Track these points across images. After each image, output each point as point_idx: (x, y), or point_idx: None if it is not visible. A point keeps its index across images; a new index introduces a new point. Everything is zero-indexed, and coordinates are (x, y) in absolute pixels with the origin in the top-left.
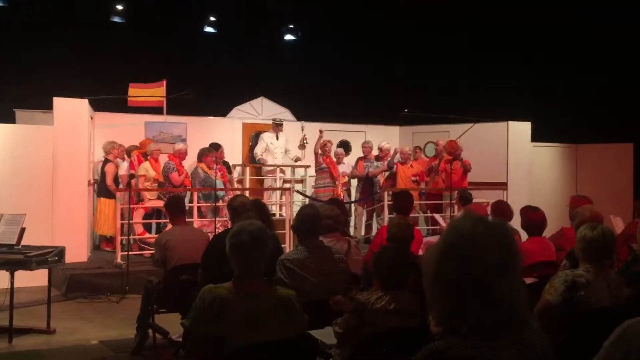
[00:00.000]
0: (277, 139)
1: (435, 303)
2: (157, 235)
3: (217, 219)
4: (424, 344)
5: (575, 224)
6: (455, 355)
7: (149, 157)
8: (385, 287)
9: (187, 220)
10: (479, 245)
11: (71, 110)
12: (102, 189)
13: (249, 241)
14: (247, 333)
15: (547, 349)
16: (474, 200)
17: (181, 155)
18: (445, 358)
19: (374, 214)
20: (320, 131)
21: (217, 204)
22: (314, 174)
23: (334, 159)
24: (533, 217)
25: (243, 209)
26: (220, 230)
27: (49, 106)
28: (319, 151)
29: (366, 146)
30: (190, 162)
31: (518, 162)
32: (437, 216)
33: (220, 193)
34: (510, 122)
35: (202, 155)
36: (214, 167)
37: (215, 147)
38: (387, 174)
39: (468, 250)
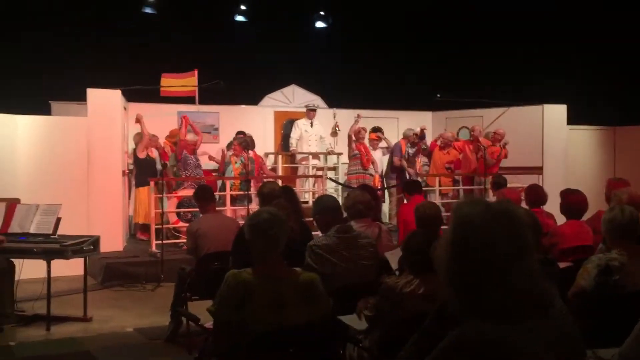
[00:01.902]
0: (312, 125)
1: (453, 291)
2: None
3: (247, 207)
4: (449, 329)
5: (611, 208)
6: (482, 340)
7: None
8: (415, 271)
9: (219, 209)
10: (490, 233)
11: (105, 101)
12: (139, 179)
13: (264, 222)
14: (272, 317)
15: (574, 329)
16: (508, 185)
17: (188, 146)
18: (472, 344)
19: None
20: (358, 116)
21: (249, 192)
22: (347, 160)
23: (368, 146)
24: (572, 200)
25: (272, 195)
26: None
27: (83, 97)
28: (353, 137)
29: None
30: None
31: (554, 146)
32: None
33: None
34: (545, 105)
35: (230, 145)
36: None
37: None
38: (423, 160)
39: (479, 239)
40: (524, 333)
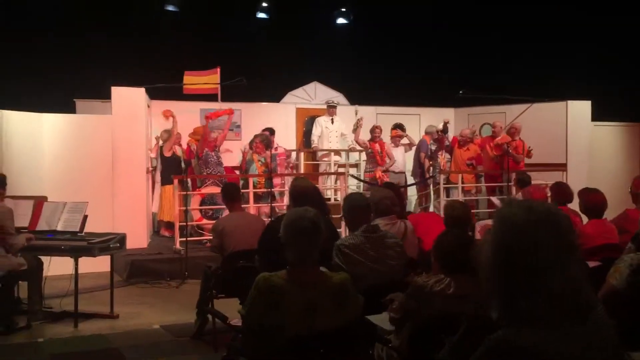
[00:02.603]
0: (332, 122)
1: (494, 294)
2: (212, 222)
3: (273, 204)
4: (486, 333)
5: None
6: (521, 345)
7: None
8: (446, 271)
9: (243, 206)
10: (534, 236)
11: (129, 99)
12: (165, 176)
13: (304, 229)
14: (304, 321)
15: (613, 334)
16: (532, 182)
17: (209, 143)
18: (510, 349)
19: (430, 197)
20: (360, 119)
21: (273, 190)
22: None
23: (385, 143)
24: (592, 199)
25: (306, 193)
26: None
27: (107, 95)
28: (360, 139)
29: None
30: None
31: (578, 143)
32: (494, 199)
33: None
34: (569, 102)
35: (252, 142)
36: (265, 154)
37: (271, 132)
38: (447, 156)
39: (523, 242)
40: (563, 339)
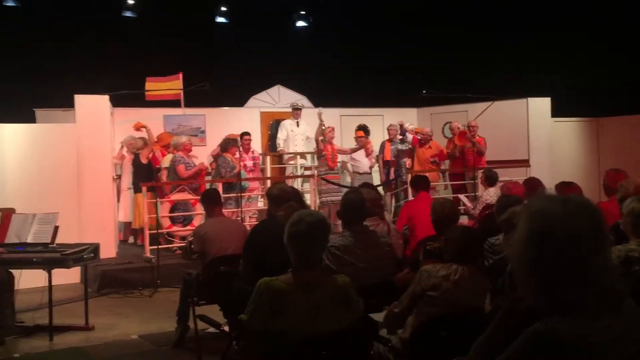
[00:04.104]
0: (298, 125)
1: (529, 287)
2: (183, 229)
3: (240, 209)
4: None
5: (619, 198)
6: (561, 338)
7: (177, 151)
8: (454, 260)
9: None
10: (574, 227)
11: (93, 107)
12: (137, 185)
13: (307, 231)
14: (308, 324)
15: None
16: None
17: (186, 147)
18: (550, 341)
19: (397, 197)
20: (320, 118)
21: (242, 195)
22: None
23: (336, 146)
24: (568, 192)
25: (282, 197)
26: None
27: (68, 104)
28: (320, 138)
29: (391, 129)
30: (207, 152)
31: (539, 139)
32: (462, 197)
33: (245, 183)
34: (529, 99)
35: (227, 146)
36: (240, 156)
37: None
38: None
39: (563, 233)
40: (602, 329)
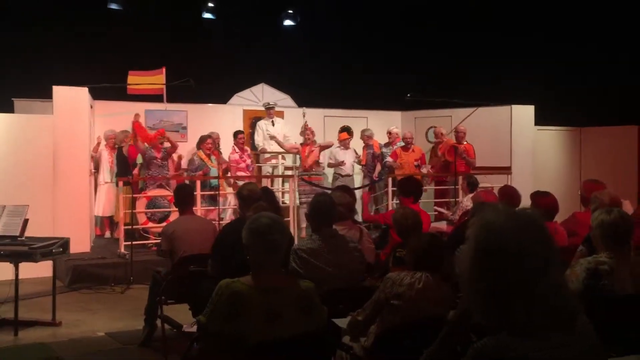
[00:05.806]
0: (273, 125)
1: (476, 303)
2: (158, 225)
3: (211, 207)
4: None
5: (592, 209)
6: (508, 356)
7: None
8: (417, 268)
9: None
10: (521, 243)
11: (71, 98)
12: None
13: (264, 227)
14: (267, 328)
15: (598, 343)
16: (479, 185)
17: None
18: (496, 359)
19: (376, 200)
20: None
21: (216, 193)
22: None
23: (315, 147)
24: (544, 202)
25: (252, 197)
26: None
27: (47, 95)
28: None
29: (365, 135)
30: (188, 149)
31: (522, 146)
32: (438, 208)
33: (214, 181)
34: (513, 106)
35: (200, 142)
36: (210, 154)
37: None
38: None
39: (506, 251)
40: (551, 349)
